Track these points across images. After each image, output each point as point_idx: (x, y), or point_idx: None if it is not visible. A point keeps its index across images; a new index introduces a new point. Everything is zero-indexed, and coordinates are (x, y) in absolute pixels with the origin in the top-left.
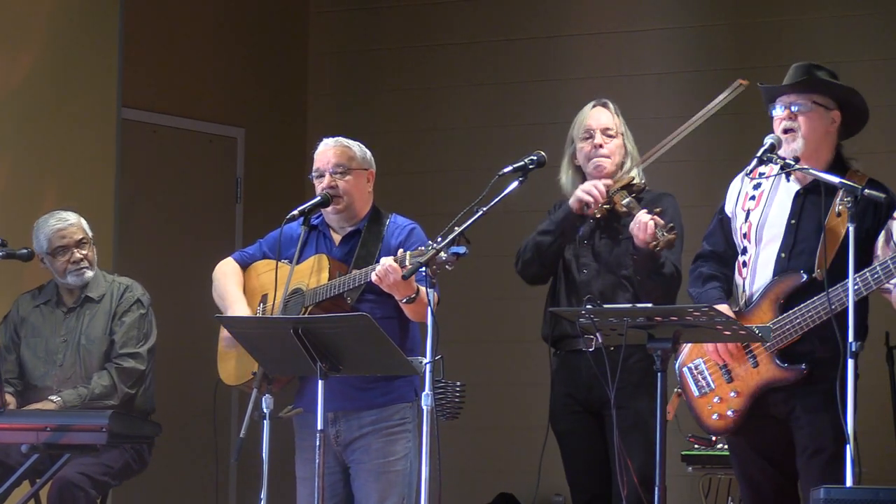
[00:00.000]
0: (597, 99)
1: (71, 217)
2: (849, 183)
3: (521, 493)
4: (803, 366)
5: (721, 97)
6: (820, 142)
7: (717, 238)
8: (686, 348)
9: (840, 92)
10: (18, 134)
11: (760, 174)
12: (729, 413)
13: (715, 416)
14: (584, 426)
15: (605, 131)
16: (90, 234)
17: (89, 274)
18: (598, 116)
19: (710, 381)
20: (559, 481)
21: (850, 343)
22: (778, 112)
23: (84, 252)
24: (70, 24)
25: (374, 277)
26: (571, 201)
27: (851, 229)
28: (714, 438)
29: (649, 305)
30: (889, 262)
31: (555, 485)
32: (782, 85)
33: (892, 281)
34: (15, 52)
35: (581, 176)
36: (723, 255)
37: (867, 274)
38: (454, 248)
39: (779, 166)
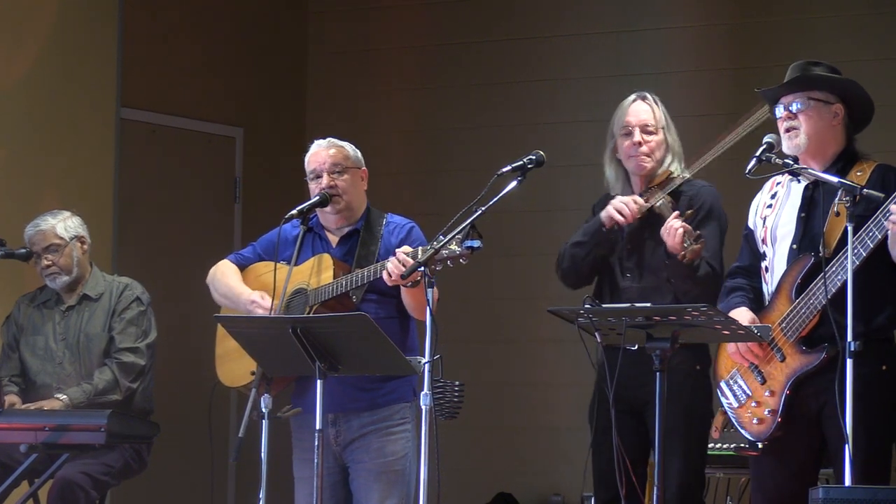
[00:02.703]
0: (637, 91)
1: (44, 222)
2: (847, 182)
3: (520, 492)
4: (825, 350)
5: (752, 119)
6: (824, 137)
7: (743, 254)
8: (719, 364)
9: (836, 85)
10: (17, 133)
11: (777, 183)
12: (767, 413)
13: (755, 421)
14: (619, 425)
15: (644, 128)
16: (69, 237)
17: (62, 279)
18: (638, 112)
19: (746, 387)
20: (559, 481)
21: (849, 343)
22: (779, 113)
23: (52, 258)
24: (69, 23)
25: (389, 266)
26: (603, 215)
27: (850, 228)
28: (760, 445)
29: (648, 305)
30: (878, 213)
31: (554, 484)
32: (778, 86)
33: None
34: (14, 51)
35: (623, 170)
36: (749, 267)
37: (863, 235)
38: (468, 242)
39: (781, 168)
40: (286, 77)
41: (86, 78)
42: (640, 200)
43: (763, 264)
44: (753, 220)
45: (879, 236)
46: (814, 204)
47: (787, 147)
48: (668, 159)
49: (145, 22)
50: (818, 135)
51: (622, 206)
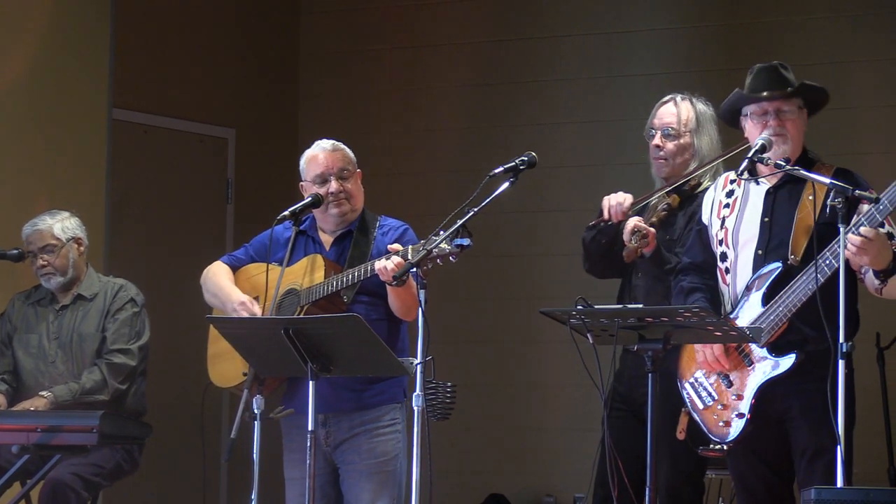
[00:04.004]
0: (672, 93)
1: (42, 222)
2: (839, 183)
3: (513, 493)
4: (794, 354)
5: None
6: (799, 142)
7: (695, 250)
8: (682, 364)
9: (818, 95)
10: (10, 134)
11: (731, 181)
12: (734, 416)
13: (721, 424)
14: (621, 425)
15: (665, 131)
16: (66, 237)
17: (57, 279)
18: (663, 114)
19: (712, 390)
20: (551, 482)
21: (841, 344)
22: (760, 116)
23: (48, 258)
24: (61, 24)
25: (378, 265)
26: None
27: (842, 230)
28: (726, 447)
29: (640, 306)
30: (863, 218)
31: (546, 485)
32: (780, 91)
33: (864, 267)
34: (6, 53)
35: None
36: (702, 264)
37: (836, 246)
38: (458, 240)
39: (774, 170)
40: (278, 78)
41: (78, 78)
42: (630, 201)
43: (723, 265)
44: (709, 218)
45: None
46: (777, 208)
47: (773, 151)
48: (695, 163)
49: (137, 23)
50: (799, 139)
51: (611, 202)
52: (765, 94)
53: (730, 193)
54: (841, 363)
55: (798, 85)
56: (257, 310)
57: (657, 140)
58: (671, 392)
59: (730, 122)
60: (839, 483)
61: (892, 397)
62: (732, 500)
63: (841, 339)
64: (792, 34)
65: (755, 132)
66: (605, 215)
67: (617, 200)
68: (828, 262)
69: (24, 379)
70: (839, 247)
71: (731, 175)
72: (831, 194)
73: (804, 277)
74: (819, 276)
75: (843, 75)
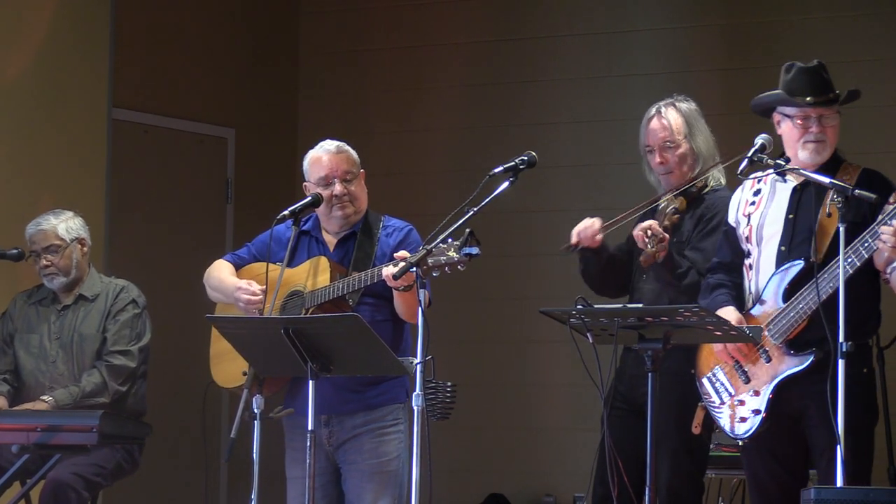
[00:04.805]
0: (657, 102)
1: (46, 222)
2: (838, 183)
3: (512, 493)
4: (813, 351)
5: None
6: (835, 145)
7: (723, 250)
8: (701, 360)
9: (854, 98)
10: (10, 134)
11: (759, 180)
12: (750, 413)
13: (738, 420)
14: (622, 424)
15: (663, 145)
16: (69, 238)
17: (60, 280)
18: (655, 130)
19: (729, 386)
20: (551, 481)
21: (841, 343)
22: (799, 120)
23: (51, 258)
24: (61, 24)
25: (385, 271)
26: None
27: (842, 229)
28: (741, 443)
29: (640, 306)
30: (875, 225)
31: (546, 485)
32: (822, 98)
33: (889, 267)
34: (6, 52)
35: None
36: (729, 264)
37: (858, 245)
38: (467, 249)
39: (772, 168)
40: (278, 78)
41: (78, 78)
42: (598, 224)
43: (748, 261)
44: (735, 217)
45: (873, 250)
46: (802, 206)
47: (809, 158)
48: (699, 165)
49: (137, 23)
50: (834, 145)
51: (578, 230)
52: (809, 99)
53: (757, 192)
54: (841, 363)
55: (845, 94)
56: (256, 289)
57: (658, 157)
58: (673, 391)
59: (761, 115)
60: (839, 483)
61: (892, 397)
62: (732, 499)
63: (841, 339)
64: (791, 34)
65: (794, 135)
66: (574, 240)
67: (584, 225)
68: (850, 260)
69: (24, 379)
70: (862, 246)
71: (759, 173)
72: (831, 194)
73: (825, 275)
74: (842, 273)
75: (842, 75)
